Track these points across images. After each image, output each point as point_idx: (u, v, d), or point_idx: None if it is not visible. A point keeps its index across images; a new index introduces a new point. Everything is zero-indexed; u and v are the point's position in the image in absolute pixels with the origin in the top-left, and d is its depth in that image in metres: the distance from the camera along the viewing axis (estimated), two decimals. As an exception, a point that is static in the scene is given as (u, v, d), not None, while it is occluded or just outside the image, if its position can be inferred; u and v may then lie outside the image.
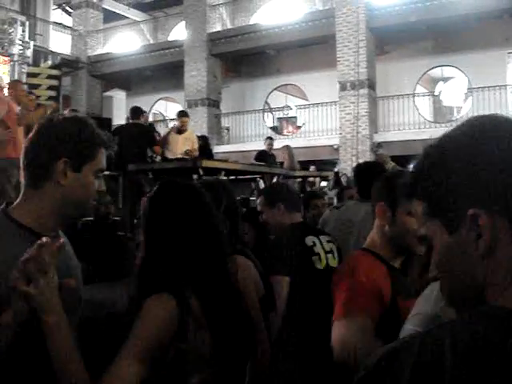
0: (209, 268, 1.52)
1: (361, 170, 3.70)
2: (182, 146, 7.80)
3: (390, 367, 0.69)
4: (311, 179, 10.35)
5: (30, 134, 1.46)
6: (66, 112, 9.24)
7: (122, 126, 8.05)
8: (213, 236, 1.57)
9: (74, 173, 1.42)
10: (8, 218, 1.40)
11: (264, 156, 10.08)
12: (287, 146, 10.70)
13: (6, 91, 7.04)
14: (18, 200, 1.45)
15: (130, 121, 7.96)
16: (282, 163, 10.09)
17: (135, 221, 5.81)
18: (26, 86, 6.76)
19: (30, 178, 1.42)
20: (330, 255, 2.85)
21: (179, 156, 7.39)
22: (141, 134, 7.50)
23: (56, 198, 1.42)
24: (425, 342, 0.69)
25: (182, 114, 8.18)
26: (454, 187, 0.76)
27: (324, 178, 10.82)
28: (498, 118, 0.79)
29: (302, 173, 10.06)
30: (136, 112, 7.95)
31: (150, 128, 7.87)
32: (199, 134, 9.74)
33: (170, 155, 7.53)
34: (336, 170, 13.26)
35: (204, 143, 8.97)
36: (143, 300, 1.44)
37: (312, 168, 11.78)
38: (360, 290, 1.75)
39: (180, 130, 7.90)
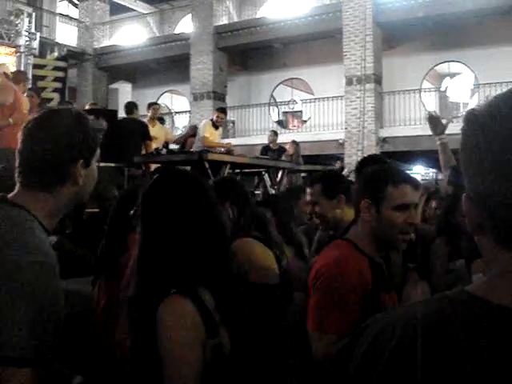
0: (216, 261, 1.43)
1: (364, 163, 3.67)
2: (218, 140, 8.44)
3: (362, 333, 0.74)
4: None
5: (32, 135, 1.36)
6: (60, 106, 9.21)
7: (121, 120, 8.21)
8: (215, 226, 1.48)
9: (86, 169, 1.40)
10: (30, 213, 1.33)
11: (266, 151, 10.17)
12: (294, 141, 10.74)
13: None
14: (24, 197, 1.34)
15: (126, 116, 8.13)
16: (291, 156, 10.13)
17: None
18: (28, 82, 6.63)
19: (43, 181, 1.35)
20: None
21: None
22: (137, 129, 7.77)
23: (71, 197, 1.40)
24: (398, 314, 0.74)
25: (223, 111, 8.66)
26: None
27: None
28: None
29: (308, 167, 10.07)
30: (130, 108, 8.16)
31: (145, 123, 8.09)
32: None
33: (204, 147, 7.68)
34: (338, 165, 13.26)
35: None
36: (150, 305, 1.34)
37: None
38: (342, 296, 1.77)
39: (216, 126, 8.27)
